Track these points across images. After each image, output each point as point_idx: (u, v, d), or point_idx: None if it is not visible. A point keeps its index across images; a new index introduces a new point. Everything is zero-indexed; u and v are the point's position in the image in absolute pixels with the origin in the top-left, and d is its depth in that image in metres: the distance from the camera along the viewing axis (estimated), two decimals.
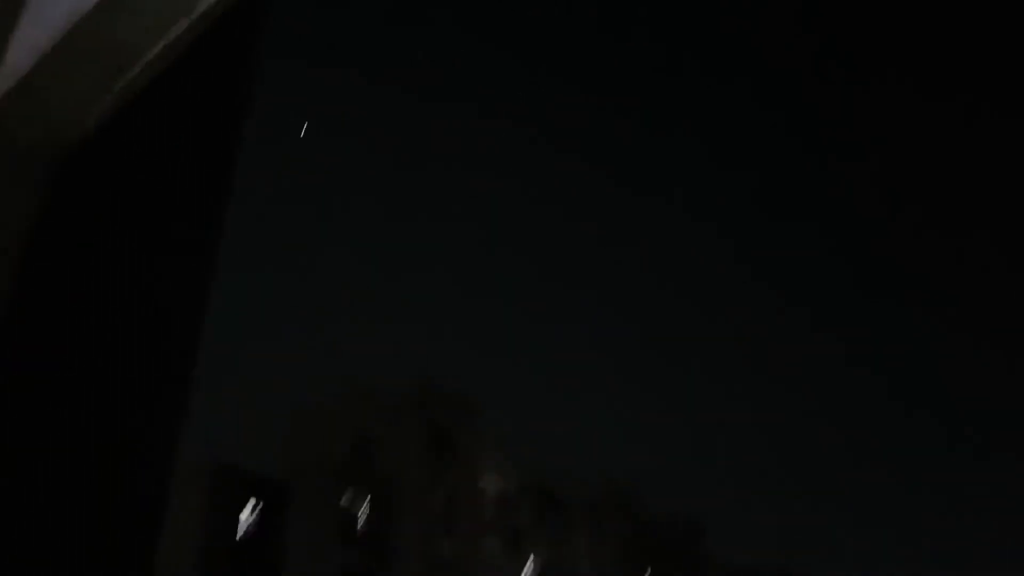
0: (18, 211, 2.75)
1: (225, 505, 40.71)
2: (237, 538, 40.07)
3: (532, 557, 44.93)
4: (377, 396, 44.60)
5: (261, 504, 41.16)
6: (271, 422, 45.55)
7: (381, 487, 40.83)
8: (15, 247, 2.70)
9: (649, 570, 50.78)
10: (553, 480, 48.13)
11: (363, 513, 40.65)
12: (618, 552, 49.21)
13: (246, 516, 40.87)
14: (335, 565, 37.58)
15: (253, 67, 3.93)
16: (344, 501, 40.19)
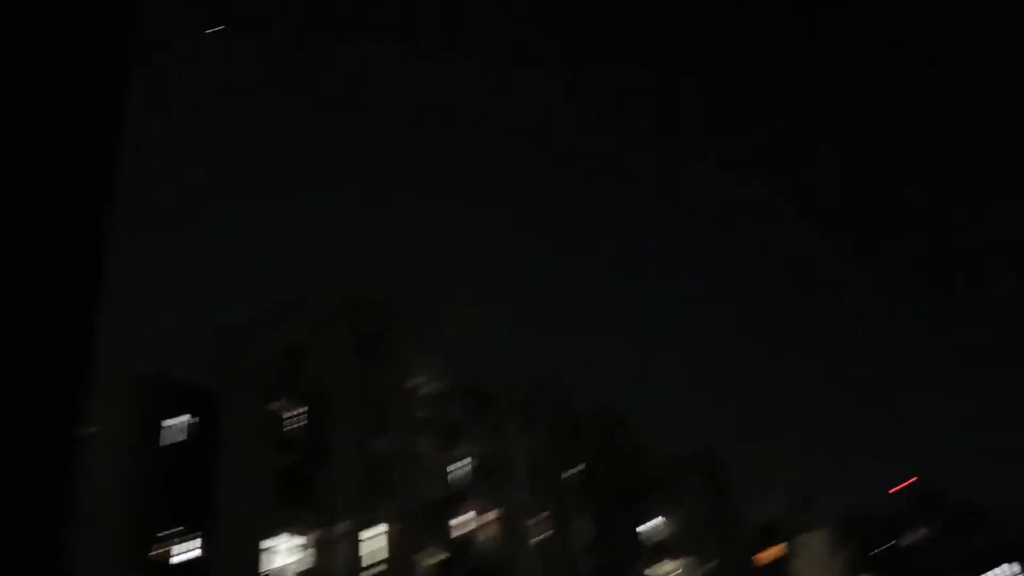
0: None
1: (154, 415, 41.23)
2: (167, 447, 40.82)
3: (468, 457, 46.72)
4: (305, 306, 45.08)
5: (191, 414, 41.81)
6: (201, 335, 45.68)
7: (313, 393, 41.65)
8: None
9: (583, 465, 53.26)
10: (483, 378, 49.66)
11: (296, 419, 41.54)
12: (550, 445, 51.36)
13: (176, 425, 41.52)
14: (269, 469, 38.60)
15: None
16: (276, 408, 40.97)
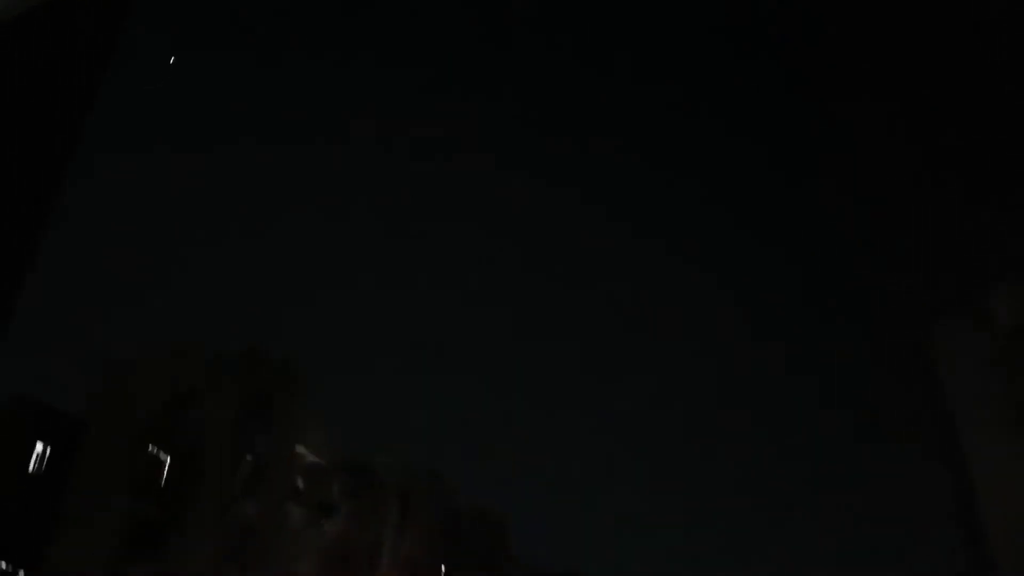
0: None
1: (15, 443, 38.45)
2: (24, 476, 37.88)
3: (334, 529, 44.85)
4: (198, 354, 43.58)
5: (53, 446, 39.10)
6: (86, 369, 43.38)
7: (189, 444, 39.67)
8: None
9: (443, 568, 51.75)
10: (368, 460, 48.23)
11: (166, 467, 39.35)
12: (422, 539, 49.83)
13: (37, 455, 38.71)
14: (122, 515, 36.11)
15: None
16: (145, 453, 38.74)
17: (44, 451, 38.76)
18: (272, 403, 42.69)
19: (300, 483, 43.71)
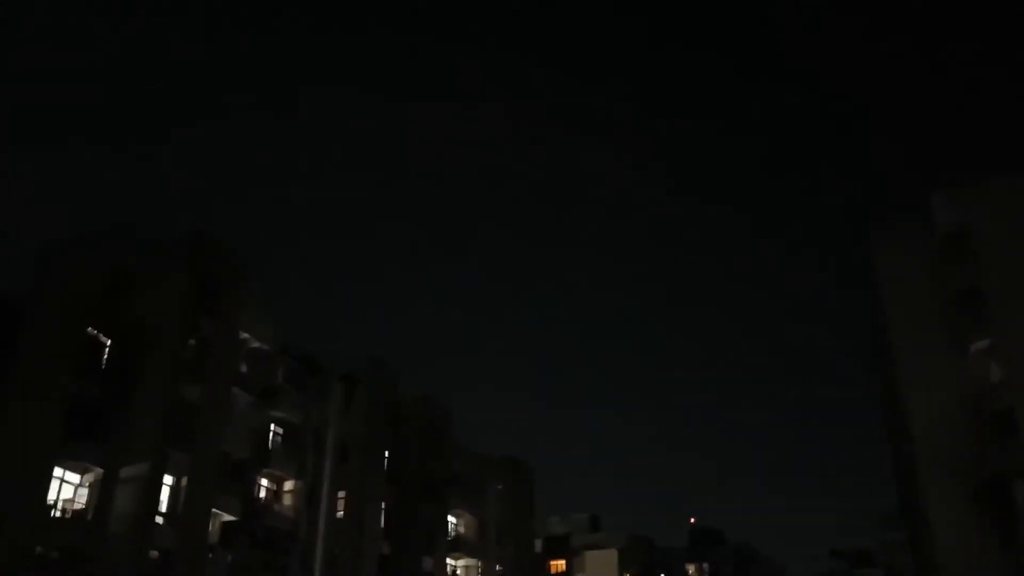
0: None
1: None
2: None
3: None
4: (143, 236, 42.96)
5: None
6: (29, 249, 42.43)
7: (130, 325, 39.51)
8: None
9: (394, 448, 53.18)
10: (314, 346, 48.75)
11: (107, 349, 39.30)
12: (366, 424, 50.97)
13: None
14: (64, 396, 36.21)
15: None
16: (87, 334, 38.55)
17: None
18: (218, 287, 42.47)
19: (244, 368, 44.14)
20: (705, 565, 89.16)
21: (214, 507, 39.47)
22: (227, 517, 40.38)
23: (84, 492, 36.08)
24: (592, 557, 79.66)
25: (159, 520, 36.61)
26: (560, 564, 79.97)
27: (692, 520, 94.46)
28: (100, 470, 36.17)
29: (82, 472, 36.39)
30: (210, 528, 39.27)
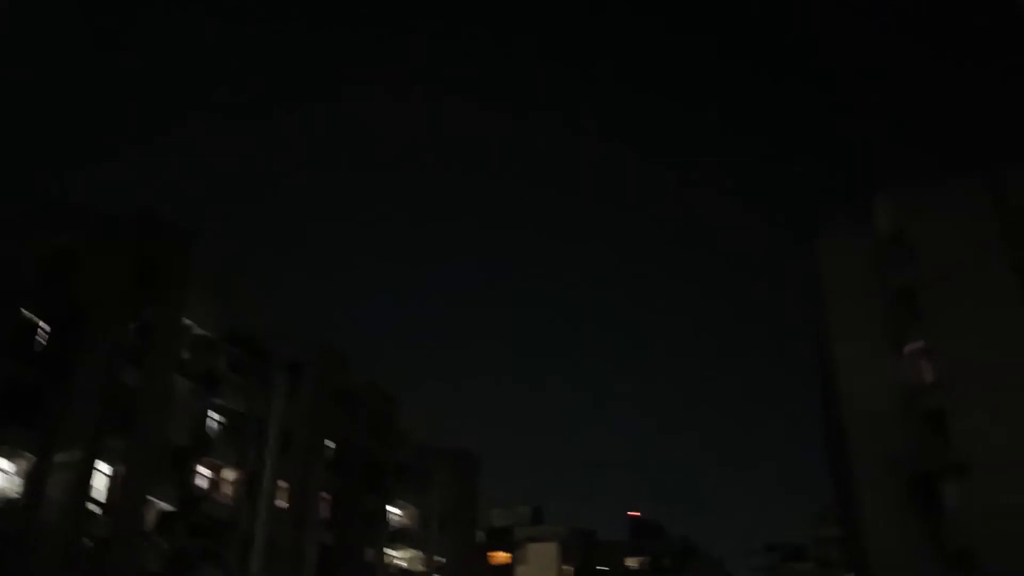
0: None
1: None
2: None
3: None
4: (85, 213, 41.72)
5: None
6: None
7: (68, 307, 38.42)
8: None
9: (339, 437, 52.69)
10: (258, 333, 47.89)
11: (42, 331, 38.14)
12: (310, 412, 50.44)
13: None
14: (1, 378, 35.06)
15: None
16: (22, 315, 37.35)
17: None
18: (162, 269, 41.54)
19: (186, 354, 43.26)
20: (646, 558, 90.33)
21: (151, 495, 38.70)
22: (165, 506, 39.62)
23: (16, 480, 35.01)
24: (534, 549, 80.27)
25: (94, 508, 35.75)
26: (502, 556, 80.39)
27: (630, 514, 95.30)
28: (33, 456, 35.12)
29: (14, 458, 35.29)
30: (147, 517, 38.51)
